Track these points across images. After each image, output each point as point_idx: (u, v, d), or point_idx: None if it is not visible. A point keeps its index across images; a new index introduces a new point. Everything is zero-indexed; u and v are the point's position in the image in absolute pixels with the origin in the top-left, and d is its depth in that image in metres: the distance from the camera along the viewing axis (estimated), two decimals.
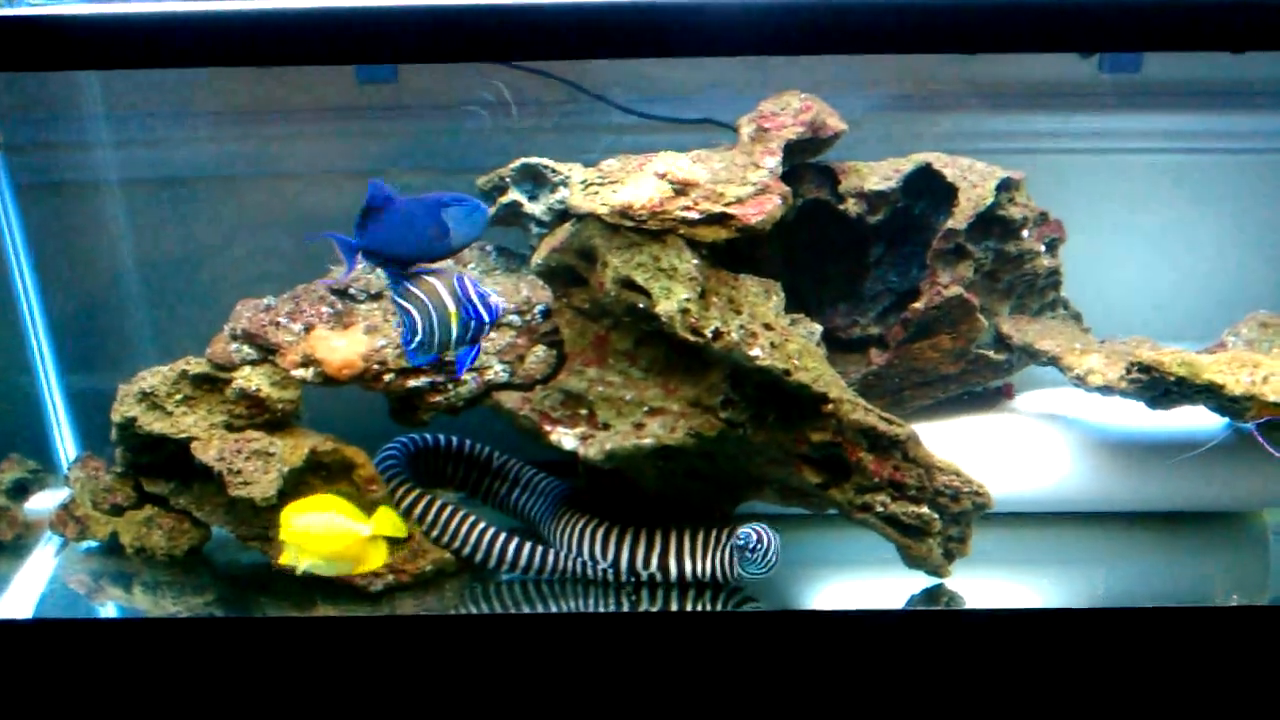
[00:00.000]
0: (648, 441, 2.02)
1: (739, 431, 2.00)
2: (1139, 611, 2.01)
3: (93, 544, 2.28)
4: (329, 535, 1.98)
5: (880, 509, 2.03)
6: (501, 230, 2.34)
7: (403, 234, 1.82)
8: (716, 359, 1.99)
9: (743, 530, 2.06)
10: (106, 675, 2.04)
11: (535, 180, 2.28)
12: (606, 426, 2.08)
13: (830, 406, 1.97)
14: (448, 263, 2.03)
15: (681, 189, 1.99)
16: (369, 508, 2.08)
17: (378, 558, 2.02)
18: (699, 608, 2.07)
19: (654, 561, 2.09)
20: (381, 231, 1.82)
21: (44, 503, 2.38)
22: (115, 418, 2.12)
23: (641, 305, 1.99)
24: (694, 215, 1.98)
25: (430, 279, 1.86)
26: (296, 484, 2.09)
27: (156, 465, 2.18)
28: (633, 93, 2.42)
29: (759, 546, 2.03)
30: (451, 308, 1.85)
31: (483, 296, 1.86)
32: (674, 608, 2.07)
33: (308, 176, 2.53)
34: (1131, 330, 2.29)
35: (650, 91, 2.43)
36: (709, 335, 1.94)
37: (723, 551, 2.09)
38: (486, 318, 1.85)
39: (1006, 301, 2.33)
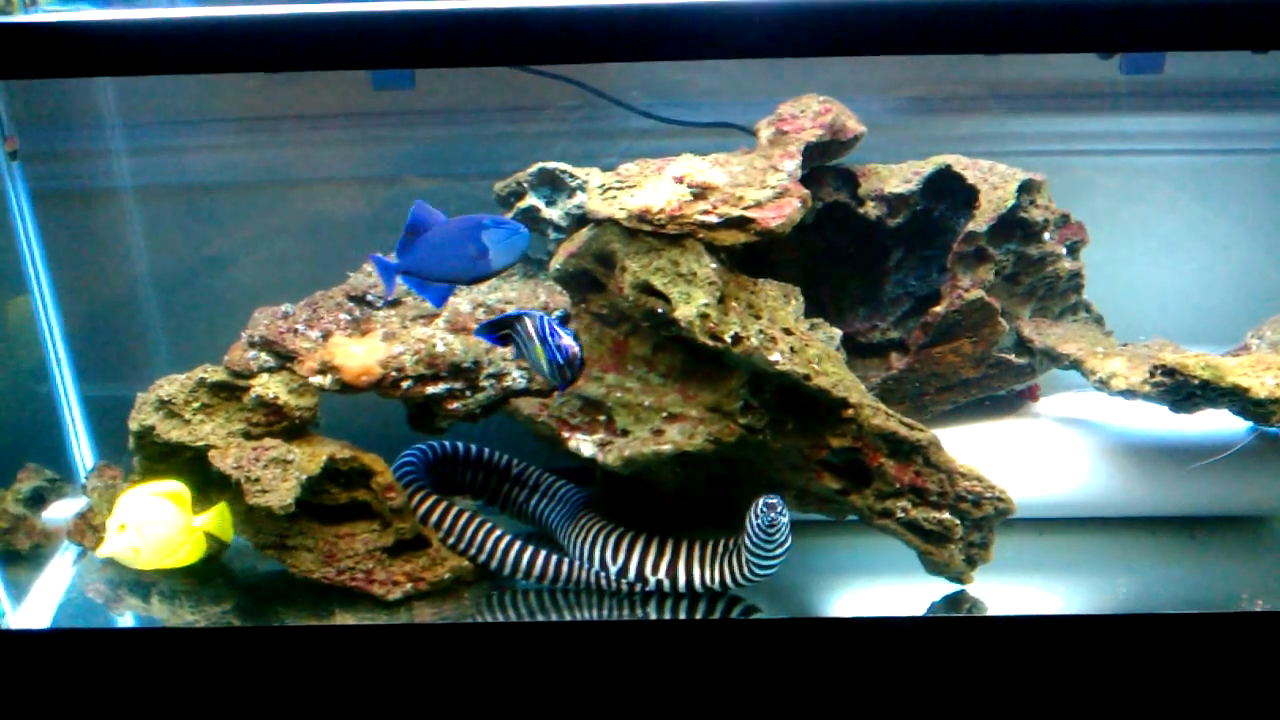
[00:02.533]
0: (667, 448, 2.00)
1: (758, 437, 1.99)
2: (1162, 618, 2.00)
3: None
4: (156, 520, 2.00)
5: (901, 515, 2.01)
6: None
7: (443, 255, 1.83)
8: (736, 364, 1.97)
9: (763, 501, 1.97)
10: (124, 685, 2.03)
11: (553, 185, 2.28)
12: (625, 433, 2.06)
13: (850, 412, 1.96)
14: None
15: (700, 193, 1.98)
16: (387, 516, 2.08)
17: (195, 553, 2.04)
18: (714, 615, 2.06)
19: (662, 568, 2.07)
20: (422, 253, 1.84)
21: (61, 512, 2.37)
22: (133, 426, 2.10)
23: (660, 310, 1.97)
24: (713, 219, 1.96)
25: (525, 317, 1.88)
26: (315, 491, 2.08)
27: (173, 473, 2.14)
28: (649, 97, 2.42)
29: (781, 517, 1.95)
30: (538, 346, 1.88)
31: (556, 337, 1.87)
32: (693, 616, 2.06)
33: (324, 183, 2.54)
34: (1152, 333, 2.27)
35: (666, 96, 2.43)
36: (728, 340, 1.93)
37: (740, 539, 2.02)
38: (559, 358, 1.87)
39: (1028, 305, 2.32)
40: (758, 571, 2.01)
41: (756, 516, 1.95)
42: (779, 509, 1.94)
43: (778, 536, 1.96)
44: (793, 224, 1.99)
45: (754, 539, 1.97)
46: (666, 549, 2.09)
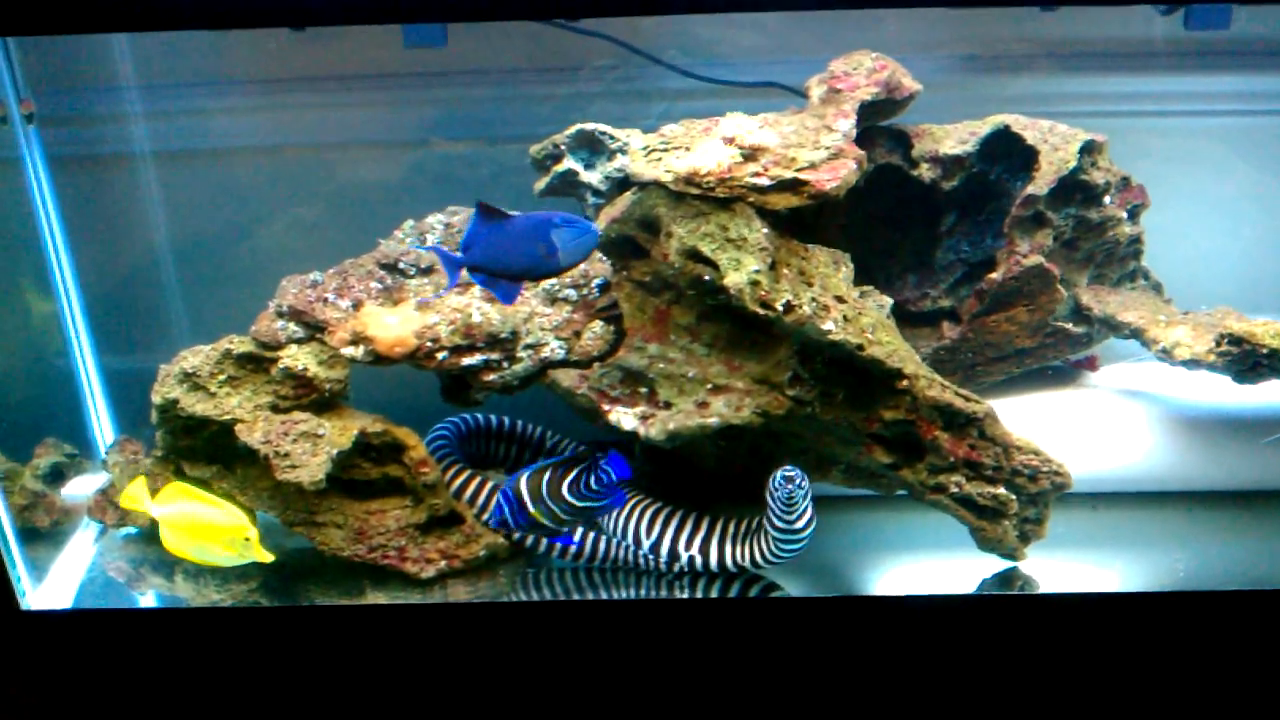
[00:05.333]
0: (713, 421, 1.96)
1: (807, 410, 1.95)
2: (1224, 595, 1.97)
3: (132, 530, 2.24)
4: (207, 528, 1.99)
5: (955, 490, 1.98)
6: (556, 200, 2.30)
7: (511, 253, 1.81)
8: (786, 333, 1.93)
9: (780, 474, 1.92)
10: (148, 666, 2.03)
11: (591, 147, 2.24)
12: (668, 405, 2.02)
13: (905, 383, 1.92)
14: None
15: (750, 154, 1.92)
16: (420, 491, 2.05)
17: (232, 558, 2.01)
18: (751, 594, 2.04)
19: (695, 544, 2.04)
20: (489, 249, 1.81)
21: (82, 488, 2.35)
22: (156, 399, 2.06)
23: (708, 278, 1.93)
24: (765, 182, 1.91)
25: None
26: (345, 466, 2.05)
27: (198, 448, 2.12)
28: (687, 56, 2.36)
29: (799, 489, 1.89)
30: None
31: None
32: (726, 595, 2.04)
33: (351, 146, 2.50)
34: (1206, 301, 2.22)
35: (705, 54, 2.37)
36: (780, 309, 1.88)
37: (764, 516, 1.98)
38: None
39: (1085, 271, 2.27)
40: (785, 549, 1.97)
41: (775, 490, 1.91)
42: (797, 480, 1.89)
43: (798, 510, 1.91)
44: (848, 186, 1.93)
45: (773, 514, 1.93)
46: (701, 525, 2.07)
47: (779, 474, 1.90)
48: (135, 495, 2.03)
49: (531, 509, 1.86)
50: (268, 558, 1.96)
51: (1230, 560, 2.16)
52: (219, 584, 2.11)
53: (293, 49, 2.39)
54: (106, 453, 2.26)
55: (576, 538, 2.10)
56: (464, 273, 1.82)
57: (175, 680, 2.04)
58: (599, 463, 1.84)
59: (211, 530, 1.97)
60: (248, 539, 1.95)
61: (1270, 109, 2.42)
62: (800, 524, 1.93)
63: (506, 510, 1.87)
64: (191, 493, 2.02)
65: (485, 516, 2.10)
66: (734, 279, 1.88)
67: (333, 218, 2.48)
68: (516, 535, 2.06)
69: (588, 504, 1.86)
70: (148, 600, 2.12)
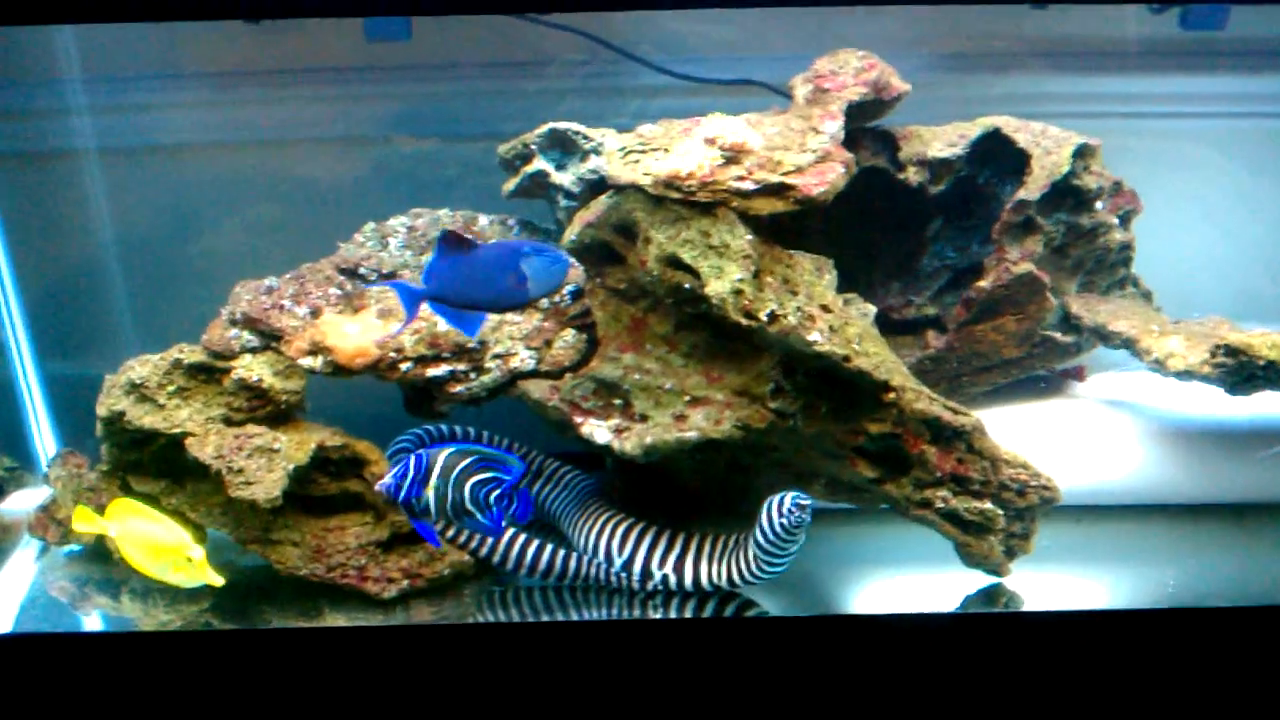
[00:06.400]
0: (691, 435, 1.92)
1: (789, 423, 1.91)
2: (1213, 612, 1.94)
3: (75, 548, 2.19)
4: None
5: (941, 505, 1.93)
6: (524, 202, 2.26)
7: (478, 283, 1.78)
8: (768, 344, 1.89)
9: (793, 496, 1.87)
10: (93, 694, 1.94)
11: (564, 147, 2.19)
12: (644, 418, 1.98)
13: (892, 395, 1.88)
14: None
15: (733, 156, 1.88)
16: (382, 508, 2.03)
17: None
18: (726, 614, 2.01)
19: (669, 562, 2.00)
20: (454, 279, 1.77)
21: (21, 503, 2.32)
22: (101, 411, 2.02)
23: (688, 286, 1.89)
24: (748, 186, 1.87)
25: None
26: (303, 481, 2.00)
27: (146, 462, 2.08)
28: (661, 52, 2.34)
29: (807, 517, 1.85)
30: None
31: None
32: (700, 614, 2.01)
33: (310, 143, 2.46)
34: (1198, 309, 2.20)
35: (680, 51, 2.35)
36: (764, 319, 1.84)
37: (752, 534, 1.93)
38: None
39: (1074, 279, 2.26)
40: (768, 570, 1.92)
41: (782, 515, 1.85)
42: (808, 509, 1.84)
43: (798, 536, 1.88)
44: (836, 191, 1.89)
45: (770, 536, 1.88)
46: (676, 542, 2.02)
47: (790, 499, 1.85)
48: (87, 517, 1.98)
49: (433, 484, 1.81)
50: (216, 581, 1.91)
51: (1221, 576, 2.13)
52: (168, 605, 2.04)
53: (248, 41, 2.36)
54: (48, 466, 2.21)
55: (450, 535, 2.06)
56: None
57: (122, 709, 1.96)
58: (511, 489, 1.81)
59: (158, 549, 1.93)
60: (189, 559, 1.90)
61: (1264, 110, 2.42)
62: (793, 549, 1.89)
63: (409, 476, 1.82)
64: (138, 508, 1.97)
65: (380, 483, 2.01)
66: (716, 288, 1.84)
67: (290, 218, 2.45)
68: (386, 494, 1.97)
69: (473, 512, 1.82)
70: (93, 623, 2.07)
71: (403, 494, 1.84)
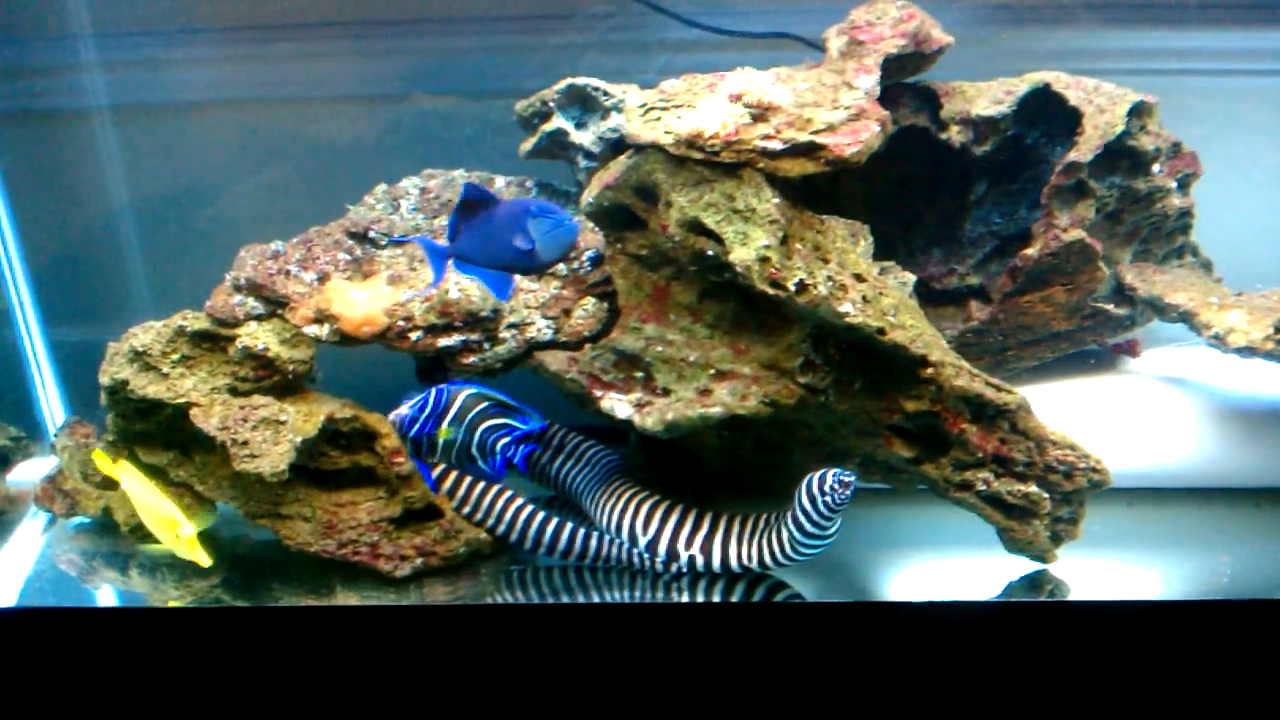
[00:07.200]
0: (715, 410, 1.87)
1: (820, 399, 1.86)
2: (1274, 604, 1.86)
3: (83, 520, 2.20)
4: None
5: (982, 487, 1.89)
6: (545, 162, 2.23)
7: (491, 244, 1.79)
8: (798, 315, 1.84)
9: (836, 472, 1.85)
10: (100, 670, 1.93)
11: (584, 104, 2.17)
12: (666, 392, 1.94)
13: (930, 371, 1.82)
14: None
15: (760, 114, 1.83)
16: (394, 482, 1.99)
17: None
18: (755, 598, 1.97)
19: (697, 542, 1.97)
20: (473, 239, 1.79)
21: (28, 474, 2.33)
22: (104, 380, 2.01)
23: (711, 252, 1.85)
24: (776, 145, 1.82)
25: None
26: (311, 455, 1.98)
27: (152, 433, 2.06)
28: (690, 3, 2.31)
29: (850, 495, 1.83)
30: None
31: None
32: (729, 599, 1.97)
33: (322, 101, 2.45)
34: (1262, 281, 2.16)
35: (711, 3, 2.32)
36: (792, 288, 1.79)
37: (787, 514, 1.91)
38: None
39: (1128, 247, 2.21)
40: (804, 551, 1.90)
41: (824, 493, 1.83)
42: (852, 487, 1.80)
43: (839, 516, 1.85)
44: (870, 151, 1.84)
45: (811, 516, 1.85)
46: (703, 522, 1.99)
47: (832, 476, 1.82)
48: (104, 459, 2.02)
49: (448, 422, 1.85)
50: (204, 561, 1.90)
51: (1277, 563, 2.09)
52: (177, 580, 2.04)
53: None
54: (55, 435, 2.22)
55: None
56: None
57: (130, 685, 1.96)
58: (520, 439, 1.91)
59: (158, 517, 1.94)
60: (178, 535, 1.89)
61: None
62: (833, 529, 1.87)
63: (427, 409, 1.85)
64: (139, 474, 2.00)
65: (395, 413, 2.05)
66: (740, 255, 1.80)
67: (301, 179, 2.45)
68: (400, 425, 2.02)
69: (476, 457, 1.90)
70: (102, 597, 2.07)
71: (417, 429, 1.86)
